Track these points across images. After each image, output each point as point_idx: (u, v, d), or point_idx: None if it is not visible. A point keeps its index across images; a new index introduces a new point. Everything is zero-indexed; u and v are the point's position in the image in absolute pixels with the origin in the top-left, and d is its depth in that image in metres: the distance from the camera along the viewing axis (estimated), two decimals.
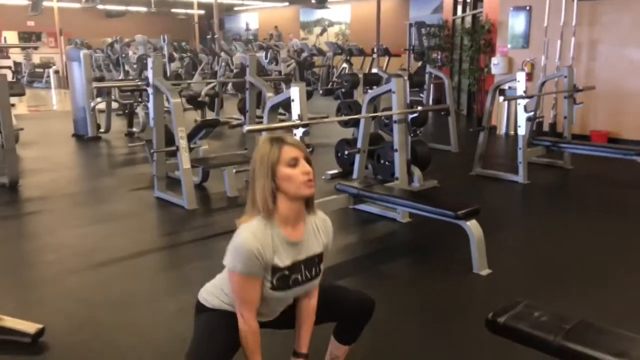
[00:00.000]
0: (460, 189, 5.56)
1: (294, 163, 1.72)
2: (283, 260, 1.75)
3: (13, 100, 5.70)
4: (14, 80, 8.05)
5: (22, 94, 6.59)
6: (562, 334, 1.73)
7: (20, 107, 12.52)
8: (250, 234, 1.70)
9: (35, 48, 19.98)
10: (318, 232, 1.87)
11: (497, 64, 8.68)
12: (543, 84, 6.68)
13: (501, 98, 5.93)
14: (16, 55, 20.15)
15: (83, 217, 4.67)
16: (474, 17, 10.35)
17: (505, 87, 7.66)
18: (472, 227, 3.36)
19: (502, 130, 8.69)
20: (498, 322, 1.85)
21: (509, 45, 8.69)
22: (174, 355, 2.45)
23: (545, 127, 8.07)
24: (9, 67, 12.17)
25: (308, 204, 1.82)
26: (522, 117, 5.62)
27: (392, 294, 3.18)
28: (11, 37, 20.46)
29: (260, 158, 1.73)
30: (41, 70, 19.70)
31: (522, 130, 5.63)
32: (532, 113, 5.87)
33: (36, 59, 20.83)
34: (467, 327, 2.73)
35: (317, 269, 1.86)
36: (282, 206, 1.74)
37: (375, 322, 2.88)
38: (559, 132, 7.28)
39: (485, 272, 3.38)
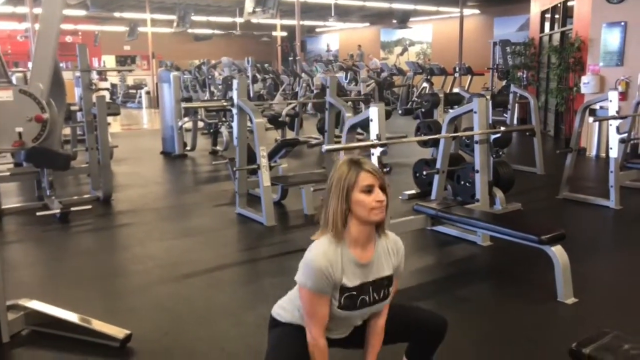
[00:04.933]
0: (546, 213, 5.32)
1: (368, 190, 1.74)
2: (351, 280, 1.77)
3: (108, 119, 6.11)
4: (111, 100, 8.73)
5: (117, 114, 7.07)
6: None
7: (115, 125, 13.36)
8: (320, 252, 1.74)
9: (131, 71, 21.34)
10: (389, 254, 1.87)
11: (587, 83, 8.30)
12: (639, 103, 6.31)
13: (591, 119, 5.65)
14: (113, 78, 21.63)
15: (169, 231, 4.91)
16: (563, 34, 9.98)
17: (596, 107, 7.30)
18: (557, 252, 3.21)
19: (592, 152, 8.26)
20: (583, 352, 1.76)
21: (601, 63, 8.29)
22: None
23: None
24: (107, 89, 13.02)
25: (378, 227, 1.84)
26: (614, 139, 5.32)
27: (471, 319, 3.09)
28: (109, 60, 22.00)
29: (337, 179, 1.77)
30: (134, 91, 21.02)
31: (614, 153, 5.32)
32: (625, 134, 5.56)
33: (130, 80, 22.25)
34: (548, 357, 2.60)
35: (386, 291, 1.86)
36: (353, 228, 1.78)
37: (452, 347, 2.81)
38: None
39: (571, 300, 3.21)
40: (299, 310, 1.84)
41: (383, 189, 1.77)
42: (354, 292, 1.78)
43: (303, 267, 1.76)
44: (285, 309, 1.92)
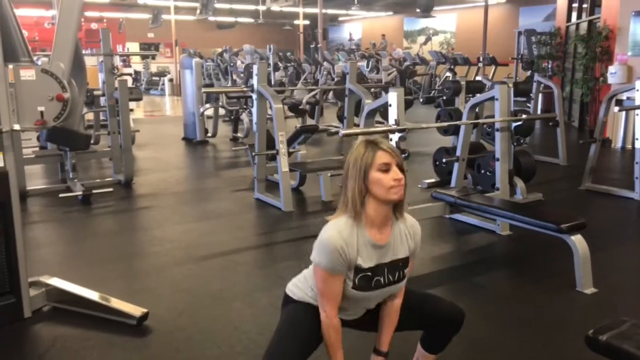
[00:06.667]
0: (567, 203, 5.24)
1: (386, 168, 1.73)
2: (366, 261, 1.77)
3: (131, 105, 6.18)
4: (134, 86, 8.83)
5: (139, 99, 7.12)
6: None
7: (138, 112, 13.49)
8: (336, 232, 1.74)
9: (154, 57, 21.52)
10: (405, 237, 1.86)
11: (614, 73, 8.13)
12: None
13: (616, 108, 5.53)
14: (137, 65, 21.83)
15: (188, 214, 4.95)
16: (590, 23, 9.77)
17: (623, 97, 7.14)
18: (577, 242, 3.16)
19: (617, 143, 8.09)
20: (599, 339, 1.72)
21: (630, 53, 8.11)
22: (264, 347, 2.53)
23: None
24: (130, 74, 13.12)
25: (396, 208, 1.82)
26: None
27: (487, 307, 3.06)
28: (133, 47, 22.18)
29: (355, 160, 1.76)
30: (157, 78, 21.20)
31: None
32: None
33: (153, 68, 22.45)
34: (565, 346, 2.57)
35: (401, 274, 1.85)
36: (371, 209, 1.77)
37: (469, 334, 2.79)
38: None
39: (590, 290, 3.16)
40: (312, 289, 1.84)
41: (401, 168, 1.76)
42: (369, 273, 1.77)
43: (318, 246, 1.76)
44: (299, 287, 1.93)
